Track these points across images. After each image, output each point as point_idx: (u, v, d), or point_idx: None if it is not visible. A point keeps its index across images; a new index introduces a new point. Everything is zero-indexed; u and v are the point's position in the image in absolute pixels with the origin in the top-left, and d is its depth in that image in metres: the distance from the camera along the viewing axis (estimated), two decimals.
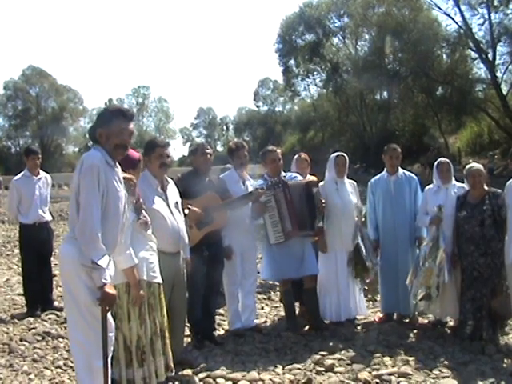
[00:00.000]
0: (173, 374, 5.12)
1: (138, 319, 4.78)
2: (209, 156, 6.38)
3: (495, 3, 38.47)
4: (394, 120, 49.58)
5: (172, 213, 5.41)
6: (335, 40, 52.73)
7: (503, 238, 6.01)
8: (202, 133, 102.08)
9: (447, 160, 6.83)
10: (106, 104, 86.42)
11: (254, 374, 5.41)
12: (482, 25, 39.63)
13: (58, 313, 7.70)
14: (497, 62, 39.80)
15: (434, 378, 5.31)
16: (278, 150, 7.02)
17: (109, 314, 3.98)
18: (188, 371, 5.49)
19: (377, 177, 7.32)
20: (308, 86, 58.01)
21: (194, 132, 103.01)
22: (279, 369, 5.58)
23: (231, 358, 5.91)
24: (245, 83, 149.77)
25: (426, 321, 7.11)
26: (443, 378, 5.31)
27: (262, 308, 8.09)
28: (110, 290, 3.83)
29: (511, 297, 6.04)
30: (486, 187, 6.34)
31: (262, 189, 6.48)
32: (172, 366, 5.07)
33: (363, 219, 7.02)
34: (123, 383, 4.76)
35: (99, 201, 3.89)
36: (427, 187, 6.94)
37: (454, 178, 6.80)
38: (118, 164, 4.18)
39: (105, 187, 3.94)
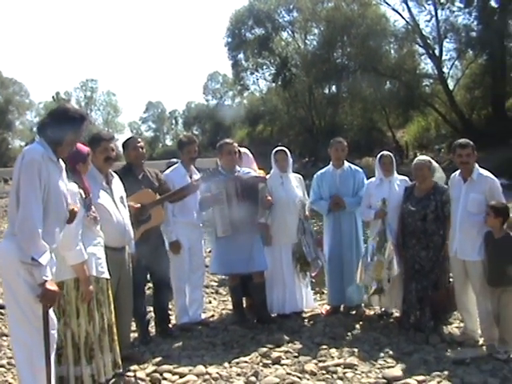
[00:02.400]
0: (120, 370, 5.06)
1: (87, 315, 4.70)
2: (140, 150, 6.30)
3: (442, 0, 39.23)
4: (342, 114, 50.13)
5: (117, 207, 5.34)
6: (284, 34, 53.10)
7: (444, 233, 6.11)
8: (151, 127, 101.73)
9: (389, 153, 6.90)
10: (53, 98, 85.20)
11: (200, 368, 5.40)
12: (429, 21, 40.55)
13: (2, 310, 7.53)
14: (443, 57, 40.78)
15: (379, 368, 5.39)
16: (235, 144, 7.00)
17: (50, 311, 3.93)
18: (135, 367, 5.45)
19: (323, 170, 7.34)
20: (257, 79, 58.32)
21: (143, 126, 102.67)
22: (226, 362, 5.58)
23: (178, 353, 5.89)
24: (194, 77, 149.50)
25: (372, 312, 7.19)
26: (388, 367, 5.40)
27: (210, 302, 8.10)
28: (50, 286, 3.78)
29: (454, 289, 6.15)
30: (433, 181, 6.39)
31: (197, 180, 6.48)
32: (120, 362, 5.01)
33: (307, 213, 7.05)
34: (71, 381, 4.67)
35: (40, 196, 3.83)
36: (369, 180, 7.00)
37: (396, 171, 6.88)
38: (61, 159, 4.15)
39: (46, 182, 3.88)
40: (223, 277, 8.66)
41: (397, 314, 6.85)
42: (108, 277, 4.92)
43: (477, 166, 5.82)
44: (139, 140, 6.49)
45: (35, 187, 3.80)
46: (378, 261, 6.36)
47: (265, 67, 55.04)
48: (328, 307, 7.30)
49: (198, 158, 7.06)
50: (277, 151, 7.12)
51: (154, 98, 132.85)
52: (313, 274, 7.13)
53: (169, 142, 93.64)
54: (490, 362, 5.38)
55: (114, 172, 5.96)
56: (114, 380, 5.02)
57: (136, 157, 6.28)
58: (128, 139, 6.56)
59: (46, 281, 3.74)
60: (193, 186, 6.45)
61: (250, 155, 7.57)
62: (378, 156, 6.89)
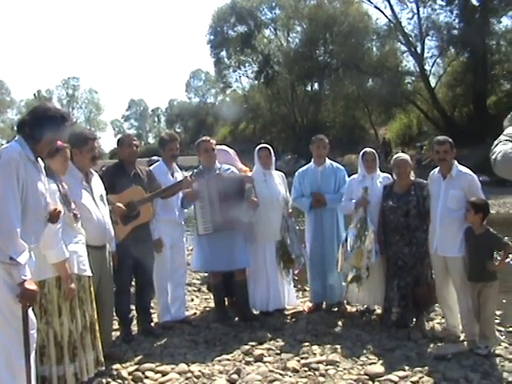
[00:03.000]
0: (103, 368, 5.05)
1: (69, 314, 4.68)
2: (135, 148, 6.33)
3: None
4: (324, 111, 50.25)
5: (97, 206, 5.32)
6: (267, 32, 53.10)
7: (427, 229, 6.14)
8: (134, 125, 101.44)
9: (372, 150, 6.94)
10: (34, 96, 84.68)
11: (183, 366, 5.40)
12: (411, 19, 40.75)
13: None
14: (425, 55, 40.96)
15: (361, 365, 5.42)
16: (213, 141, 6.99)
17: (30, 311, 3.89)
18: (117, 365, 5.43)
19: (304, 167, 7.37)
20: (239, 77, 58.25)
21: (126, 124, 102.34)
22: (208, 360, 5.57)
23: (160, 351, 5.88)
24: (176, 74, 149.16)
25: (354, 309, 7.23)
26: (370, 364, 5.43)
27: (192, 300, 8.08)
28: (30, 286, 3.74)
29: (435, 285, 6.19)
30: (412, 178, 6.45)
31: (191, 177, 6.47)
32: (102, 360, 5.00)
33: (290, 210, 7.06)
34: (54, 380, 4.64)
35: (18, 195, 3.80)
36: (352, 176, 7.03)
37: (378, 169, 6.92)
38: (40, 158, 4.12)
39: (24, 181, 3.85)
40: (205, 275, 8.66)
41: (379, 311, 6.88)
42: (90, 274, 4.91)
43: (456, 162, 5.87)
44: (134, 138, 6.53)
45: (13, 186, 3.77)
46: (358, 249, 6.36)
47: (247, 65, 55.05)
48: (310, 304, 7.32)
49: (180, 155, 7.06)
50: (260, 148, 7.14)
51: (136, 95, 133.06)
52: (295, 272, 7.14)
53: (151, 140, 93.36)
54: (471, 357, 5.43)
55: (106, 169, 5.96)
56: (96, 378, 5.00)
57: (130, 154, 6.30)
58: (123, 136, 6.65)
59: (24, 280, 3.71)
60: (186, 183, 6.45)
61: (231, 152, 7.58)
62: (361, 153, 6.93)
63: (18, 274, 3.70)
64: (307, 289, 7.86)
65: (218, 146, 7.35)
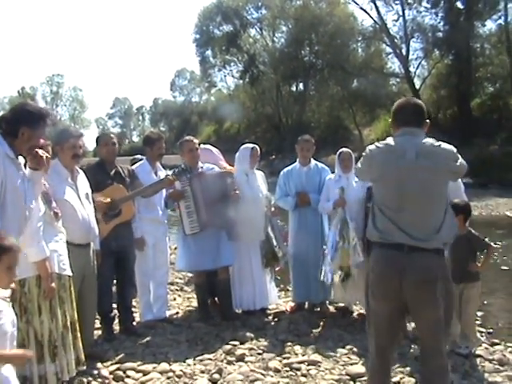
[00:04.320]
0: (84, 368, 5.02)
1: (49, 313, 4.63)
2: (112, 146, 6.27)
3: (409, 0, 39.67)
4: (309, 112, 50.37)
5: (82, 204, 5.29)
6: (252, 31, 53.13)
7: None
8: (118, 123, 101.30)
9: (348, 150, 6.97)
10: (18, 93, 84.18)
11: (164, 366, 5.39)
12: (397, 21, 40.96)
13: None
14: (410, 57, 41.18)
15: (342, 365, 5.43)
16: (196, 140, 6.99)
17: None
18: (98, 364, 5.40)
19: (289, 167, 7.38)
20: (225, 76, 58.26)
21: (110, 122, 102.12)
22: (190, 359, 5.56)
23: (142, 350, 5.86)
24: (161, 73, 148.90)
25: (336, 310, 7.24)
26: (352, 364, 5.44)
27: (174, 299, 8.05)
28: None
29: None
30: None
31: (173, 175, 6.46)
32: (83, 359, 4.97)
33: (272, 209, 7.06)
34: (35, 380, 4.59)
35: None
36: (328, 176, 7.07)
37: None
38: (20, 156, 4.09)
39: (3, 178, 3.82)
40: (189, 274, 8.64)
41: (361, 311, 6.89)
42: (70, 274, 4.86)
43: None
44: (112, 136, 6.45)
45: None
46: (342, 248, 6.37)
47: (232, 64, 55.05)
48: (293, 304, 7.33)
49: (164, 154, 7.04)
50: (253, 148, 7.15)
51: (121, 93, 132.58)
52: (277, 269, 7.13)
53: (135, 139, 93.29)
54: (452, 357, 5.43)
55: (87, 167, 5.92)
56: (77, 377, 4.97)
57: (107, 153, 6.25)
58: (101, 135, 6.57)
59: None
60: (168, 181, 6.43)
61: (215, 151, 7.58)
62: (338, 152, 6.98)
63: None
64: (290, 289, 7.86)
65: (202, 145, 7.36)
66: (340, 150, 6.99)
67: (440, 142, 3.89)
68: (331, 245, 6.46)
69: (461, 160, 3.91)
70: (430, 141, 3.88)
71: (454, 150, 3.90)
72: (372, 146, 4.07)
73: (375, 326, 4.05)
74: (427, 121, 4.03)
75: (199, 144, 7.04)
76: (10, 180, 3.89)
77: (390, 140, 4.02)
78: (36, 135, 4.15)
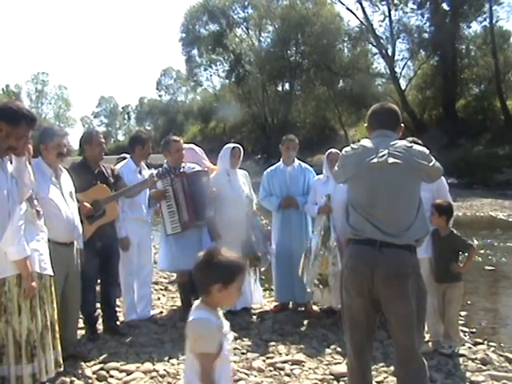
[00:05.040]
0: (61, 369, 4.93)
1: (29, 312, 4.56)
2: (103, 146, 6.25)
3: (395, 1, 39.88)
4: (295, 112, 50.47)
5: (66, 202, 5.27)
6: (239, 31, 53.25)
7: None
8: (103, 121, 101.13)
9: (337, 150, 6.94)
10: (3, 90, 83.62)
11: (148, 365, 5.37)
12: (383, 21, 41.26)
13: None
14: (396, 57, 41.41)
15: (326, 365, 5.44)
16: (182, 140, 6.99)
17: None
18: (82, 364, 5.37)
19: (273, 167, 7.37)
20: (211, 76, 58.38)
21: (95, 120, 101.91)
22: (174, 359, 5.55)
23: (125, 350, 5.83)
24: (147, 72, 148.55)
25: (320, 309, 7.24)
26: (335, 364, 5.45)
27: (159, 298, 8.02)
28: None
29: None
30: None
31: (154, 176, 6.45)
32: (61, 361, 4.89)
33: (254, 208, 7.06)
34: (12, 380, 4.52)
35: None
36: (316, 177, 7.07)
37: None
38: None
39: None
40: (173, 274, 8.62)
41: None
42: (51, 273, 4.80)
43: None
44: (101, 135, 6.41)
45: None
46: (323, 256, 6.39)
47: (218, 63, 55.16)
48: (276, 303, 7.32)
49: (151, 153, 7.04)
50: (234, 147, 7.12)
51: (106, 92, 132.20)
52: (261, 269, 7.12)
53: (121, 137, 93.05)
54: (436, 357, 5.48)
55: (71, 167, 5.87)
56: (60, 377, 4.94)
57: (99, 153, 6.20)
58: (91, 134, 6.38)
59: None
60: (150, 181, 6.42)
61: (199, 150, 7.57)
62: (327, 153, 6.96)
63: None
64: (273, 288, 7.85)
65: (186, 145, 7.36)
66: (329, 151, 6.97)
67: (413, 144, 3.99)
68: (312, 251, 6.48)
69: (434, 162, 3.99)
70: (403, 142, 3.99)
71: (427, 151, 4.00)
72: (347, 148, 4.18)
73: (349, 322, 4.10)
74: (401, 125, 4.13)
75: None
76: None
77: (364, 141, 4.10)
78: (15, 134, 4.09)
